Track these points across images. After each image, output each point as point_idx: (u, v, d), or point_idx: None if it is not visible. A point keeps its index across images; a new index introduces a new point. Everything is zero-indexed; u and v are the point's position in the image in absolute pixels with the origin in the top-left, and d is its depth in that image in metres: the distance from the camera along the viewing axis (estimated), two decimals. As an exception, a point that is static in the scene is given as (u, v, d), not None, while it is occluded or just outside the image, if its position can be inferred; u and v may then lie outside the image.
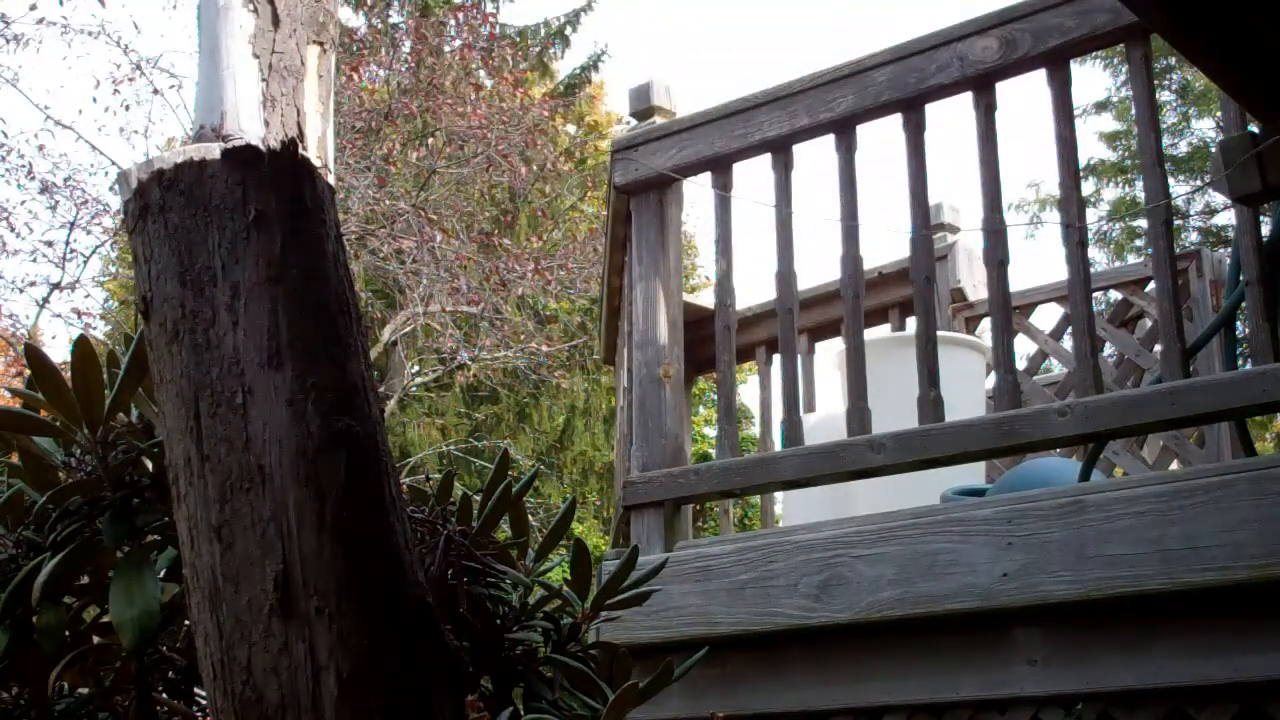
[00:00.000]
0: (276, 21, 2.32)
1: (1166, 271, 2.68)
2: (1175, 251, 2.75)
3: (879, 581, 2.69)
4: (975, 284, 4.89)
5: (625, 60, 38.07)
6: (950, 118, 3.55)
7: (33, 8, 12.51)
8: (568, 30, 17.30)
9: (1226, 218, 14.93)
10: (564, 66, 17.88)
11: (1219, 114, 13.50)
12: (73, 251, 12.92)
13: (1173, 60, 14.80)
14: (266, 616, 1.20)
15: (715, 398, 8.71)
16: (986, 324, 4.44)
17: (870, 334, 3.45)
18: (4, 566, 1.51)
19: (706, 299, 4.12)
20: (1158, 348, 3.96)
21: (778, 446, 3.22)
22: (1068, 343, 4.60)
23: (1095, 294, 3.48)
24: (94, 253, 13.55)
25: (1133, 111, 3.36)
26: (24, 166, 12.75)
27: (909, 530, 2.69)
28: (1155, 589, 2.38)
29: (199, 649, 1.25)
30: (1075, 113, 2.90)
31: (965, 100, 3.01)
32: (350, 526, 1.23)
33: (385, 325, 13.86)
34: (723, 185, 3.34)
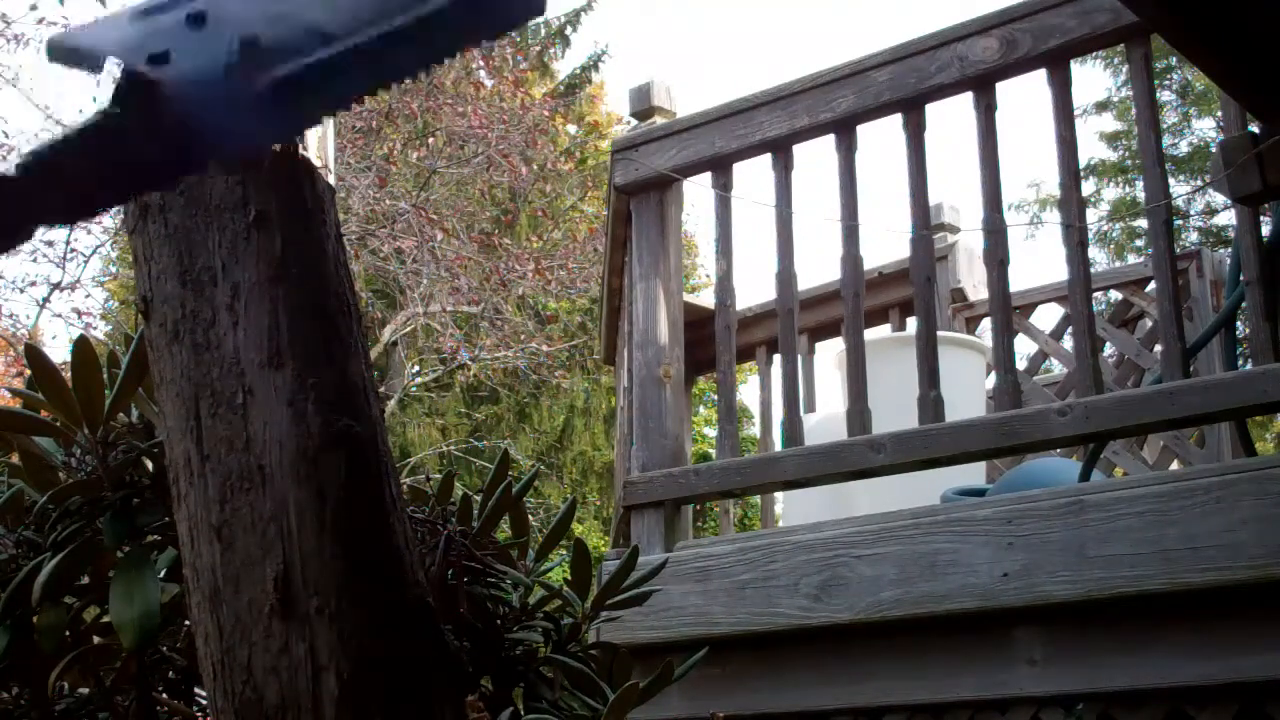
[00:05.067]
0: (276, 21, 2.32)
1: (1166, 271, 2.68)
2: (1175, 251, 2.75)
3: (879, 581, 2.69)
4: (975, 284, 4.89)
5: (625, 60, 38.08)
6: (950, 118, 3.56)
7: (33, 8, 12.51)
8: (568, 30, 17.30)
9: (1226, 218, 14.93)
10: (564, 66, 17.89)
11: (1219, 114, 13.49)
12: (73, 251, 12.92)
13: (1173, 60, 14.79)
14: (267, 616, 1.20)
15: (715, 398, 8.71)
16: (986, 324, 4.44)
17: (870, 334, 3.45)
18: (4, 566, 1.51)
19: (706, 299, 4.12)
20: (1158, 348, 3.96)
21: (778, 446, 3.22)
22: (1068, 343, 4.60)
23: (1095, 294, 3.48)
24: (94, 253, 13.54)
25: (1133, 111, 3.36)
26: (24, 166, 12.73)
27: (909, 530, 2.69)
28: (1155, 589, 2.38)
29: (199, 649, 1.25)
30: (1075, 113, 2.90)
31: (965, 100, 3.01)
32: (351, 527, 1.23)
33: (385, 325, 13.86)
34: (723, 185, 3.34)
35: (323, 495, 1.22)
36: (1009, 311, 2.88)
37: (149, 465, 1.52)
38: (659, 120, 3.56)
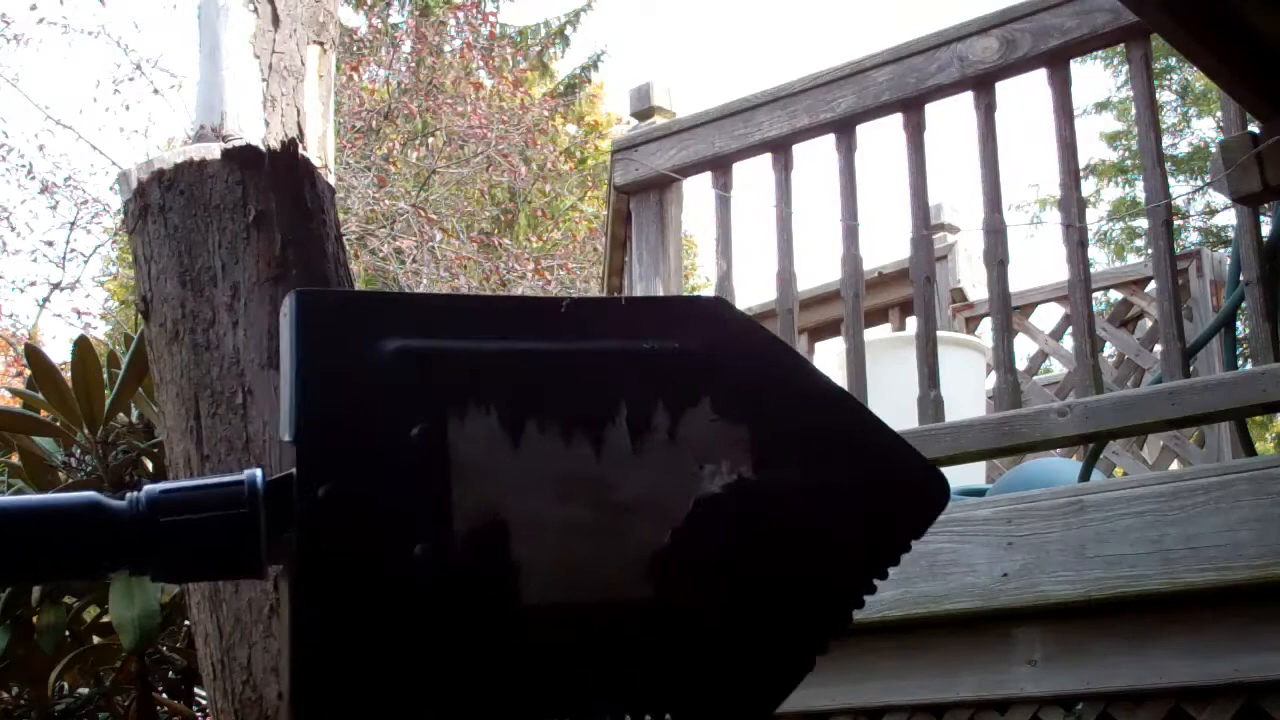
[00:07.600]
0: (276, 21, 2.32)
1: (1166, 271, 2.68)
2: (1175, 251, 2.75)
3: (879, 581, 2.69)
4: (975, 284, 4.89)
5: (625, 60, 38.07)
6: (950, 118, 3.56)
7: (33, 8, 12.52)
8: (568, 30, 17.29)
9: (1226, 218, 14.93)
10: (564, 66, 17.88)
11: (1219, 114, 13.49)
12: (73, 251, 12.94)
13: (1173, 60, 14.79)
14: (266, 616, 1.20)
15: (715, 398, 8.66)
16: (986, 324, 4.44)
17: (870, 334, 3.44)
18: (4, 566, 1.51)
19: (706, 299, 4.11)
20: (1158, 348, 3.96)
21: (778, 446, 3.21)
22: (1068, 343, 4.60)
23: (1095, 294, 3.48)
24: (94, 253, 13.56)
25: (1133, 111, 3.36)
26: (24, 166, 12.77)
27: (909, 530, 2.69)
28: (1155, 589, 2.37)
29: (199, 649, 1.25)
30: (1075, 113, 2.90)
31: (965, 100, 3.01)
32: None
33: (385, 325, 13.81)
34: (723, 185, 3.34)
35: (323, 495, 1.22)
36: (1009, 311, 2.88)
37: (149, 465, 1.52)
38: (659, 120, 3.56)
